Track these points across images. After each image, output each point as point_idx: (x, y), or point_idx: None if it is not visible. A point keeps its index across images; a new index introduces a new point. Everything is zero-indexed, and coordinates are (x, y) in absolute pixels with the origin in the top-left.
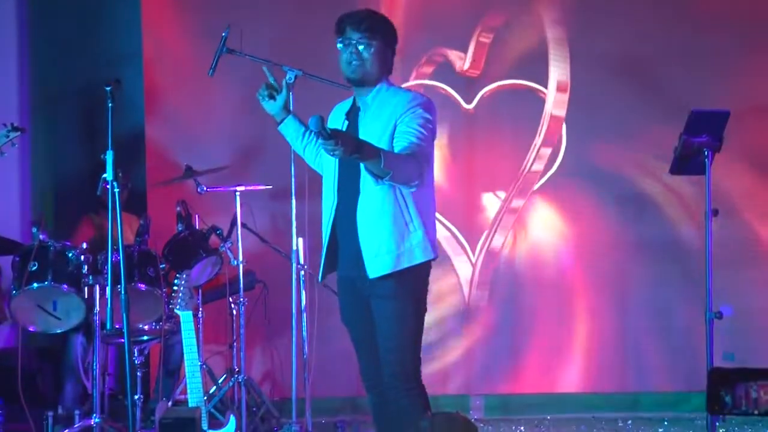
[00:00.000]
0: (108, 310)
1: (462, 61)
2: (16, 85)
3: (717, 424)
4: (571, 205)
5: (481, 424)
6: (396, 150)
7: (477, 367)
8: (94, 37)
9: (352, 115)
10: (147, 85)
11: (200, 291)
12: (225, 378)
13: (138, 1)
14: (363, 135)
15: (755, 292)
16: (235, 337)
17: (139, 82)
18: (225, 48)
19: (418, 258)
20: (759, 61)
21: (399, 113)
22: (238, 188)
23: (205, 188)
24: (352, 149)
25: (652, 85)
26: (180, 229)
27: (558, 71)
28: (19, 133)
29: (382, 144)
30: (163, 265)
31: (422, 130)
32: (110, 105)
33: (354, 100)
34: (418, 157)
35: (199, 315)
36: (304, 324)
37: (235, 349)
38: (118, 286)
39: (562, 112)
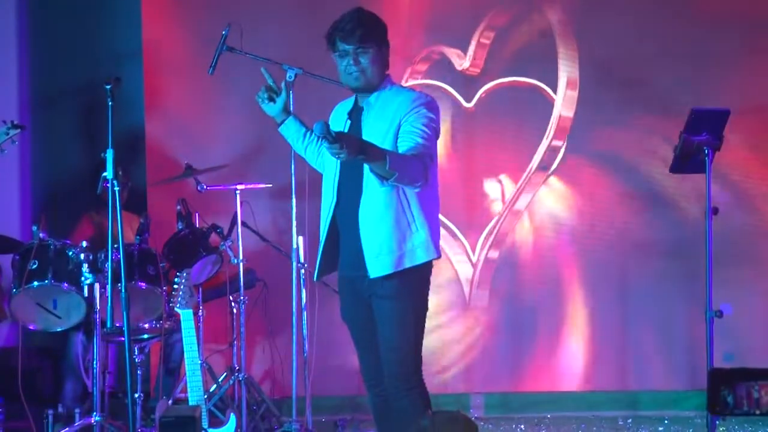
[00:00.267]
0: (108, 308)
1: (462, 60)
2: (16, 83)
3: (717, 422)
4: (571, 204)
5: (482, 423)
6: (401, 150)
7: (477, 366)
8: (94, 36)
9: (355, 114)
10: (147, 84)
11: (200, 289)
12: (225, 376)
13: None
14: (366, 135)
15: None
16: (235, 336)
17: (140, 80)
18: (225, 46)
19: (420, 258)
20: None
21: (403, 113)
22: (239, 187)
23: (205, 187)
24: (357, 151)
25: (653, 84)
26: (180, 227)
27: (566, 70)
28: (19, 130)
29: (385, 143)
30: (164, 264)
31: (426, 130)
32: (110, 103)
33: (356, 99)
34: (423, 158)
35: (200, 313)
36: (305, 322)
37: (235, 348)
38: (119, 284)
39: (569, 112)
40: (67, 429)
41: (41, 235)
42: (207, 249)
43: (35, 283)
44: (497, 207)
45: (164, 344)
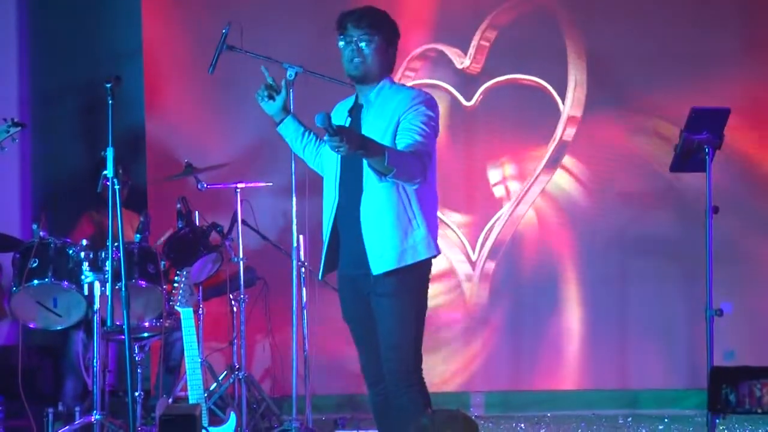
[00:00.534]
0: (108, 307)
1: (462, 58)
2: (17, 81)
3: (717, 421)
4: (571, 203)
5: (482, 421)
6: (399, 147)
7: (477, 364)
8: (95, 34)
9: (355, 112)
10: (147, 82)
11: (200, 288)
12: (225, 375)
13: None
14: (366, 132)
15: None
16: (235, 334)
17: (140, 78)
18: (225, 45)
19: (422, 254)
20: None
21: (402, 110)
22: (239, 185)
23: (205, 185)
24: (357, 145)
25: (653, 84)
26: (180, 226)
27: (574, 69)
28: (19, 128)
29: (385, 140)
30: (164, 262)
31: (425, 128)
32: (110, 102)
33: (356, 97)
34: (422, 155)
35: (200, 312)
36: (305, 321)
37: (235, 346)
38: (119, 283)
39: (570, 111)
40: (67, 427)
41: (41, 233)
42: (207, 247)
43: (35, 282)
44: (497, 206)
45: (164, 343)
